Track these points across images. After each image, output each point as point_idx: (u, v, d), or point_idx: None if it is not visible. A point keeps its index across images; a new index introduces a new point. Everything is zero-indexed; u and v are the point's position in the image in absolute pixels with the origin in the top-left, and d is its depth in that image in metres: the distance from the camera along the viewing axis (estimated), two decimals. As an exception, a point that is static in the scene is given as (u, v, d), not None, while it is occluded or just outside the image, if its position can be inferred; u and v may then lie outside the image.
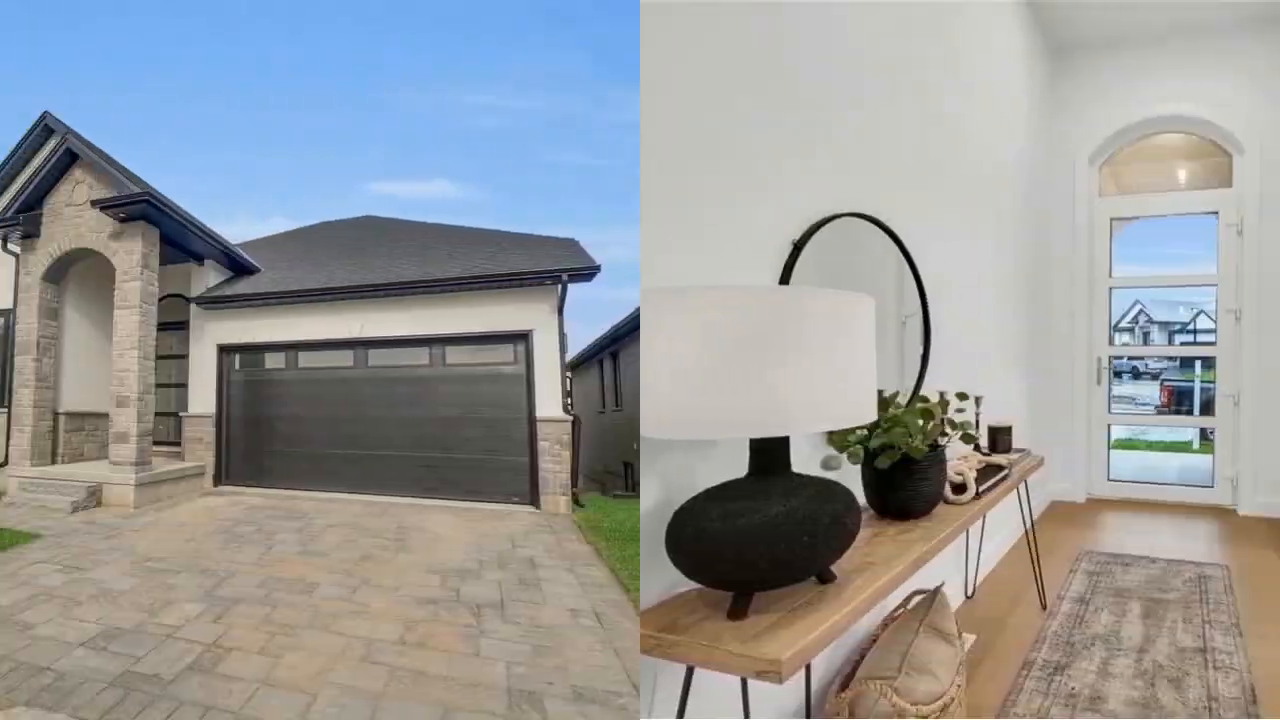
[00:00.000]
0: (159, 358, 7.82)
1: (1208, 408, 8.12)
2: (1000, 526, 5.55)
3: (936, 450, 2.93)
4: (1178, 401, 11.45)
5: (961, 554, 4.89)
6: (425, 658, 3.26)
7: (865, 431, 2.82)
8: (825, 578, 2.18)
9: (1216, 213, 7.51)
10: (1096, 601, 4.87)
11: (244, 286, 8.68)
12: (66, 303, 8.38)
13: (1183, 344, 13.00)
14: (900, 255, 3.76)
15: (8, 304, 8.39)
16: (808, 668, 2.51)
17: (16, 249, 8.19)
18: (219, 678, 3.05)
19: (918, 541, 2.66)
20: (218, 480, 8.27)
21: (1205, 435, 8.84)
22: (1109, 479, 8.02)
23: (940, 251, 4.41)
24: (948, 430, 3.12)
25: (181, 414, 8.63)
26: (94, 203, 7.55)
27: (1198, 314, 12.27)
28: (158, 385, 7.80)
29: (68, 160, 7.94)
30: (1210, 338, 8.05)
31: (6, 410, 8.12)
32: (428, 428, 7.63)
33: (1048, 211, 7.65)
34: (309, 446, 8.13)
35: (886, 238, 3.63)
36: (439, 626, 3.69)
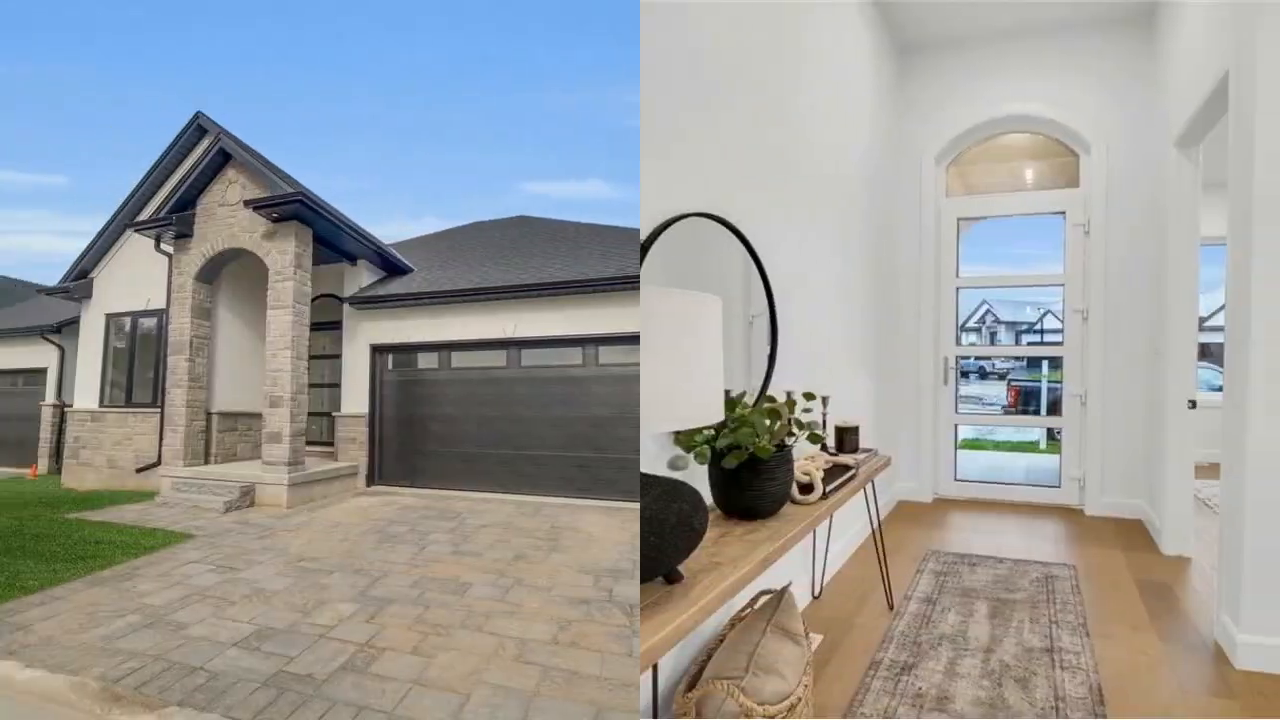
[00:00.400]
0: (312, 358, 8.26)
1: (1055, 408, 8.63)
2: (847, 526, 5.97)
3: (783, 450, 3.15)
4: (1025, 401, 12.33)
5: (809, 554, 5.25)
6: (578, 658, 3.51)
7: (712, 431, 3.03)
8: (672, 578, 2.35)
9: (1064, 212, 8.07)
10: (943, 601, 5.21)
11: (397, 286, 9.02)
12: (219, 302, 8.77)
13: (1030, 344, 13.85)
14: (747, 255, 4.04)
15: (160, 304, 8.83)
16: (655, 667, 2.71)
17: (169, 249, 8.58)
18: (372, 678, 3.26)
19: (765, 541, 2.86)
20: (370, 480, 8.70)
21: (1052, 435, 9.52)
22: (956, 479, 8.55)
23: (788, 251, 4.72)
24: (795, 430, 3.34)
25: (335, 414, 9.03)
26: (247, 203, 7.92)
27: (1045, 314, 12.91)
28: (311, 385, 8.33)
29: (221, 160, 8.32)
30: (1057, 338, 8.47)
31: (160, 410, 8.56)
32: (580, 427, 8.01)
33: (895, 212, 8.19)
34: (462, 446, 8.52)
35: (734, 238, 3.88)
36: (592, 626, 3.95)
